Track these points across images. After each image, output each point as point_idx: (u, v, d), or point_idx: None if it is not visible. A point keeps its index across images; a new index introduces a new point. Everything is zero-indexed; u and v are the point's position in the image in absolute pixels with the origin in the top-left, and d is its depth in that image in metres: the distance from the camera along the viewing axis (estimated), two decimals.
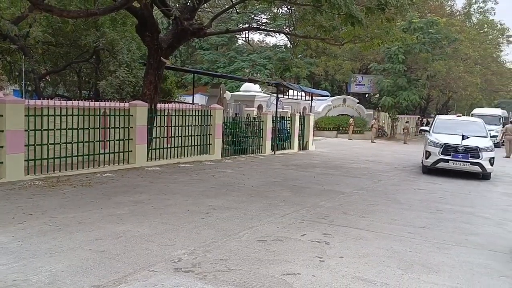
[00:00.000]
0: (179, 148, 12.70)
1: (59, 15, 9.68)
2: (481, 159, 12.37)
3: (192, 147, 13.13)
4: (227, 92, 22.18)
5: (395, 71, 32.28)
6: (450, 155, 12.51)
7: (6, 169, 8.51)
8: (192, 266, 4.49)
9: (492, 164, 12.54)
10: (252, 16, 34.95)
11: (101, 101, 11.82)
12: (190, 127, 13.04)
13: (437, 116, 15.00)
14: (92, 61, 17.05)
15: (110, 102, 12.03)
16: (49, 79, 19.83)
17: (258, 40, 48.69)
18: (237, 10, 14.36)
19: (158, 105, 12.43)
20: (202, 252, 4.94)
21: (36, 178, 8.83)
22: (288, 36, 30.32)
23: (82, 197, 7.44)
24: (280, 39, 47.62)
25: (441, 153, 12.65)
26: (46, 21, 15.53)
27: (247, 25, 33.37)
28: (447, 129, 13.65)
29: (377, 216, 7.26)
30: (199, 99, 24.55)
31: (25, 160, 8.89)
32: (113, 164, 10.67)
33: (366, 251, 5.31)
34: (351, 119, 31.49)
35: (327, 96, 28.32)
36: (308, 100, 26.38)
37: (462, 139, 12.38)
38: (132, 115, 11.07)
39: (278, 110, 18.63)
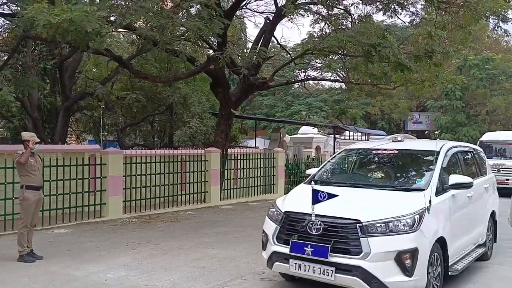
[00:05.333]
0: (247, 188, 14.09)
1: (153, 81, 11.64)
2: (364, 256, 4.45)
3: (258, 187, 14.50)
4: (286, 135, 23.71)
5: (452, 107, 32.56)
6: (288, 243, 4.86)
7: (108, 208, 10.27)
8: (273, 277, 5.74)
9: (410, 270, 4.45)
10: (307, 61, 36.73)
11: (179, 149, 13.58)
12: (256, 169, 14.45)
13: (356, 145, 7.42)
14: (167, 113, 19.27)
15: (188, 149, 13.79)
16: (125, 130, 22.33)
17: (313, 83, 50.35)
18: (295, 62, 15.96)
19: (228, 150, 14.02)
20: None
21: (132, 216, 10.50)
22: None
23: (174, 230, 8.96)
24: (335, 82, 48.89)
25: (276, 239, 5.05)
26: (127, 79, 17.91)
27: (302, 71, 35.12)
28: (352, 175, 6.40)
29: None
30: (259, 143, 26.25)
31: (122, 201, 10.66)
32: (192, 204, 12.23)
33: None
34: None
35: (383, 135, 29.09)
36: (365, 140, 27.31)
37: (316, 199, 4.77)
38: (207, 160, 12.69)
39: (336, 150, 19.79)
